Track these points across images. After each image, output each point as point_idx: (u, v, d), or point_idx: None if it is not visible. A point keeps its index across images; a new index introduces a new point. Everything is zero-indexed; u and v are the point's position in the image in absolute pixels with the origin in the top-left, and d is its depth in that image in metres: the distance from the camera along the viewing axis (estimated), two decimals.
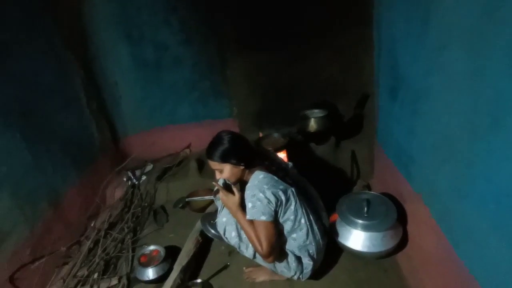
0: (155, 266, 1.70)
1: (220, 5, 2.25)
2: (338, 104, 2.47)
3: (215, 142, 1.39)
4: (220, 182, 1.52)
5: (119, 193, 2.41)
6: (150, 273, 1.70)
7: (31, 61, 1.87)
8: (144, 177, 2.52)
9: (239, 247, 1.50)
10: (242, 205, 1.39)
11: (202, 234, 1.85)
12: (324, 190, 1.65)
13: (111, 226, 2.12)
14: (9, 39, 1.72)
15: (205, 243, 1.90)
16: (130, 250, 1.95)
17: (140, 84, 2.59)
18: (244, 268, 1.72)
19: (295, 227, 1.43)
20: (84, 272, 1.76)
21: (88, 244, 1.92)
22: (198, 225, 1.90)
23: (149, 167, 2.64)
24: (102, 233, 2.01)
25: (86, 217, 2.15)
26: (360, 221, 1.63)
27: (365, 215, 1.64)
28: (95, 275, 1.75)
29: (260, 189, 1.32)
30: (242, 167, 1.38)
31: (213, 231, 1.68)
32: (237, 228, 1.47)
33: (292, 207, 1.39)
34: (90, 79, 2.41)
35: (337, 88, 2.41)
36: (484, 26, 0.92)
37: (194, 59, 2.50)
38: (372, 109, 2.10)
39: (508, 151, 0.87)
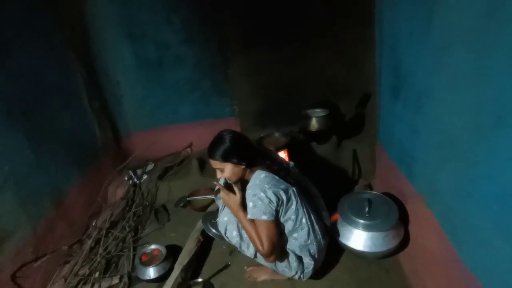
0: (156, 265, 1.71)
1: (222, 4, 2.25)
2: (340, 103, 2.46)
3: (217, 141, 1.39)
4: (221, 182, 1.52)
5: (120, 192, 2.41)
6: (151, 272, 1.70)
7: (33, 60, 1.88)
8: (145, 176, 2.52)
9: (240, 247, 1.50)
10: (243, 205, 1.39)
11: (203, 233, 1.85)
12: (326, 189, 1.65)
13: (113, 225, 2.13)
14: (11, 38, 1.72)
15: (206, 242, 1.90)
16: (132, 249, 1.95)
17: (141, 83, 2.59)
18: (245, 267, 1.72)
19: (296, 226, 1.42)
20: (86, 270, 1.77)
21: (89, 242, 1.93)
22: (199, 224, 1.90)
23: (150, 166, 2.64)
24: (104, 232, 2.01)
25: (87, 216, 2.15)
26: (361, 221, 1.62)
27: (367, 215, 1.64)
28: (97, 274, 1.76)
29: (262, 188, 1.32)
30: (243, 167, 1.38)
31: (214, 230, 1.68)
32: (238, 228, 1.47)
33: (293, 206, 1.39)
34: (92, 78, 2.41)
35: (338, 87, 2.40)
36: (487, 26, 0.92)
37: (196, 58, 2.50)
38: (374, 109, 2.09)
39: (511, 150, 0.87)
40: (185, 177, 2.47)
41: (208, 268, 1.78)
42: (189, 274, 1.70)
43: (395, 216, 1.62)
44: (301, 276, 1.51)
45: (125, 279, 1.75)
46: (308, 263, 1.48)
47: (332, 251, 1.66)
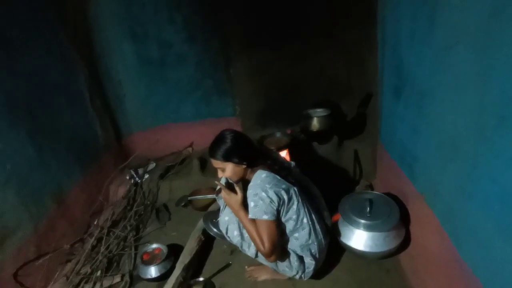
0: (157, 264, 1.71)
1: (224, 3, 2.25)
2: (341, 103, 2.46)
3: (218, 140, 1.39)
4: (223, 181, 1.52)
5: (122, 191, 2.42)
6: (153, 271, 1.71)
7: (36, 60, 1.88)
8: (146, 175, 2.53)
9: (241, 246, 1.50)
10: (245, 204, 1.39)
11: (205, 232, 1.85)
12: (327, 189, 1.65)
13: (114, 224, 2.13)
14: (15, 37, 1.73)
15: (208, 242, 1.91)
16: (133, 248, 1.96)
17: (144, 82, 2.59)
18: (246, 267, 1.72)
19: (297, 226, 1.43)
20: (87, 269, 1.78)
21: (91, 241, 1.94)
22: (201, 223, 1.91)
23: (151, 166, 2.65)
24: (105, 230, 2.02)
25: (89, 214, 2.16)
26: (362, 221, 1.62)
27: (368, 215, 1.64)
28: (98, 273, 1.76)
29: (263, 188, 1.32)
30: (244, 166, 1.38)
31: (215, 229, 1.68)
32: (239, 227, 1.48)
33: (295, 206, 1.39)
34: (94, 78, 2.42)
35: (340, 87, 2.40)
36: (491, 26, 0.91)
37: (198, 57, 2.50)
38: (376, 109, 2.09)
39: None
40: (186, 176, 2.48)
41: (209, 268, 1.79)
42: (190, 273, 1.70)
43: (396, 216, 1.62)
44: (302, 276, 1.51)
45: (127, 278, 1.75)
46: (309, 263, 1.48)
47: (333, 251, 1.66)
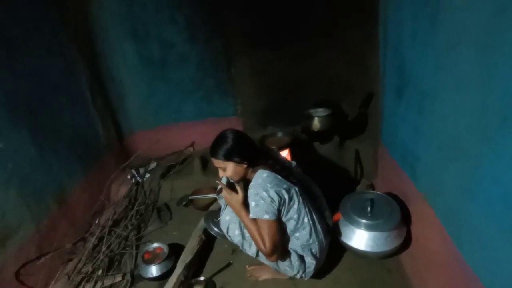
0: (158, 263, 1.71)
1: (225, 3, 2.25)
2: (343, 103, 2.46)
3: (219, 140, 1.39)
4: (224, 181, 1.52)
5: (123, 190, 2.42)
6: (154, 270, 1.71)
7: (37, 59, 1.89)
8: (148, 175, 2.53)
9: (242, 246, 1.50)
10: (246, 204, 1.39)
11: (206, 232, 1.85)
12: (328, 189, 1.65)
13: (115, 223, 2.14)
14: (16, 37, 1.73)
15: (209, 241, 1.91)
16: (134, 247, 1.96)
17: (145, 82, 2.59)
18: (247, 266, 1.72)
19: (298, 226, 1.43)
20: (89, 268, 1.78)
21: (92, 241, 1.94)
22: (202, 223, 1.91)
23: (153, 165, 2.65)
24: (107, 230, 2.02)
25: (90, 214, 2.16)
26: (363, 221, 1.62)
27: (369, 215, 1.64)
28: (100, 272, 1.77)
29: (264, 187, 1.32)
30: (245, 165, 1.38)
31: (216, 229, 1.69)
32: (240, 227, 1.48)
33: (296, 206, 1.39)
34: (96, 77, 2.42)
35: (342, 87, 2.39)
36: (493, 26, 0.91)
37: (199, 57, 2.50)
38: (377, 109, 2.09)
39: None
40: (187, 176, 2.48)
41: (210, 267, 1.79)
42: (191, 273, 1.71)
43: (397, 216, 1.61)
44: (303, 275, 1.51)
45: (128, 277, 1.75)
46: (310, 262, 1.48)
47: (334, 251, 1.66)
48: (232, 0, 2.23)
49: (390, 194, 1.78)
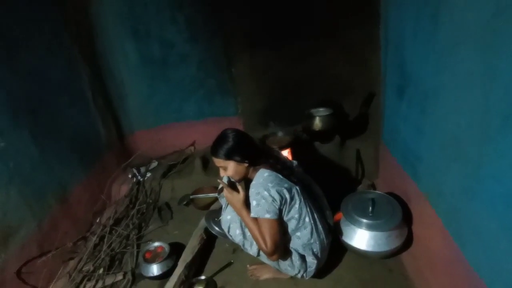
0: (159, 262, 1.71)
1: (226, 3, 2.25)
2: (344, 103, 2.46)
3: (220, 139, 1.39)
4: (225, 180, 1.52)
5: (124, 189, 2.42)
6: (155, 269, 1.71)
7: (38, 59, 1.89)
8: (149, 174, 2.54)
9: (243, 245, 1.50)
10: (247, 203, 1.39)
11: (207, 231, 1.86)
12: (329, 188, 1.65)
13: (116, 222, 2.14)
14: (18, 37, 1.74)
15: (210, 240, 1.91)
16: (135, 246, 1.96)
17: (146, 81, 2.60)
18: (248, 265, 1.72)
19: (300, 225, 1.42)
20: (90, 267, 1.78)
21: (93, 239, 1.94)
22: (203, 222, 1.91)
23: (154, 164, 2.65)
24: (108, 229, 2.02)
25: (92, 213, 2.17)
26: (365, 220, 1.62)
27: (370, 215, 1.63)
28: (101, 271, 1.77)
29: (265, 187, 1.32)
30: (246, 165, 1.38)
31: (217, 228, 1.69)
32: (241, 226, 1.48)
33: (297, 205, 1.39)
34: (97, 77, 2.42)
35: (343, 87, 2.39)
36: (495, 25, 0.91)
37: (200, 56, 2.50)
38: (378, 108, 2.08)
39: None
40: (188, 175, 2.48)
41: (211, 266, 1.79)
42: (192, 272, 1.71)
43: (398, 216, 1.61)
44: (304, 275, 1.51)
45: (129, 276, 1.76)
46: (311, 262, 1.48)
47: (335, 250, 1.66)
48: (233, 0, 2.23)
49: (391, 194, 1.78)
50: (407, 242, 1.64)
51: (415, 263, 1.58)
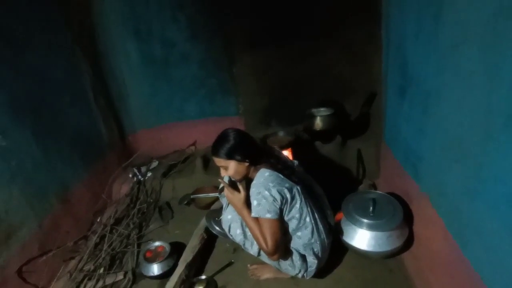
0: (160, 262, 1.71)
1: (227, 3, 2.25)
2: (345, 103, 2.45)
3: (221, 139, 1.39)
4: (226, 180, 1.52)
5: (125, 189, 2.43)
6: (155, 269, 1.71)
7: (40, 58, 1.89)
8: (149, 174, 2.54)
9: (244, 245, 1.50)
10: (247, 203, 1.39)
11: (207, 231, 1.86)
12: (330, 188, 1.64)
13: (117, 221, 2.14)
14: (19, 36, 1.74)
15: (210, 240, 1.91)
16: (136, 246, 1.97)
17: (147, 81, 2.60)
18: (248, 265, 1.72)
19: (300, 225, 1.42)
20: (91, 266, 1.78)
21: (94, 239, 1.95)
22: (203, 222, 1.91)
23: (154, 164, 2.66)
24: (108, 228, 2.03)
25: (92, 212, 2.17)
26: (365, 220, 1.62)
27: (371, 214, 1.63)
28: (101, 270, 1.77)
29: (266, 186, 1.32)
30: (247, 164, 1.38)
31: (218, 228, 1.69)
32: (242, 226, 1.48)
33: (298, 205, 1.38)
34: (98, 76, 2.42)
35: (344, 87, 2.39)
36: (498, 24, 0.90)
37: (201, 56, 2.50)
38: (380, 108, 2.08)
39: None
40: (189, 174, 2.48)
41: (211, 266, 1.79)
42: (192, 271, 1.71)
43: (399, 216, 1.61)
44: (305, 274, 1.51)
45: (129, 275, 1.76)
46: (312, 261, 1.48)
47: (335, 250, 1.65)
48: (234, 0, 2.23)
49: (392, 194, 1.77)
50: (408, 242, 1.63)
51: (416, 263, 1.58)
